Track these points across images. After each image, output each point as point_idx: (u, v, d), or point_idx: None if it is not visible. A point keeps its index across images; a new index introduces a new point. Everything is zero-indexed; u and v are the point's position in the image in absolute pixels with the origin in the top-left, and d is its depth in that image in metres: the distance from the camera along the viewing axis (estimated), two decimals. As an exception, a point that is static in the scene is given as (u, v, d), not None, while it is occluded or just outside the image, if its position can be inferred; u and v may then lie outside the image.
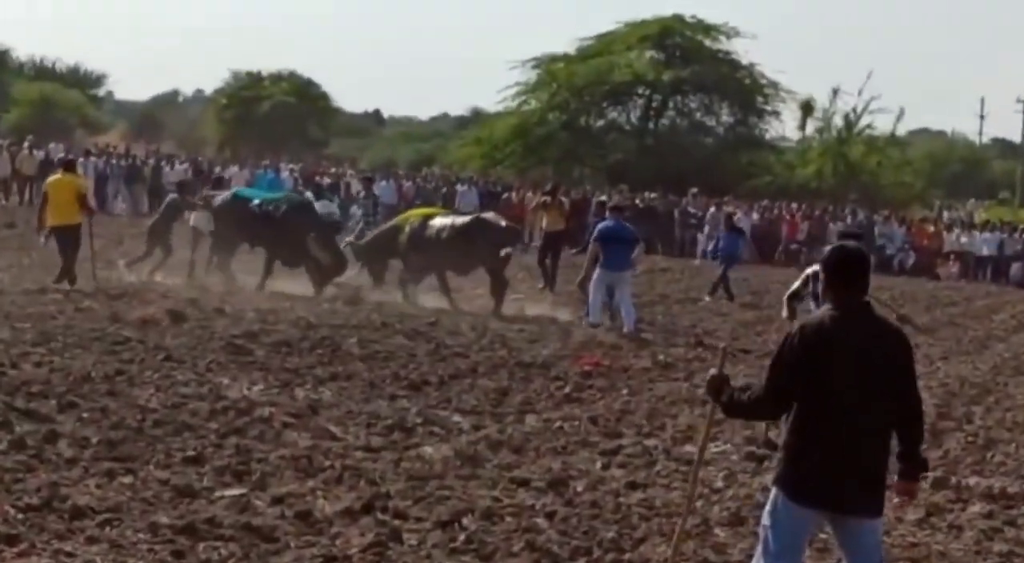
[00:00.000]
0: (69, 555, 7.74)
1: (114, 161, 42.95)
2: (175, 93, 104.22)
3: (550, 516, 9.38)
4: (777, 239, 43.93)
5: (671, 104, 62.87)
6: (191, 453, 10.13)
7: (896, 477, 6.65)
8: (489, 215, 23.67)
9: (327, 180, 42.96)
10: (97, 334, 15.29)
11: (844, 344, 6.34)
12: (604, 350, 17.86)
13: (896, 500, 6.85)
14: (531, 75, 61.64)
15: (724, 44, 61.48)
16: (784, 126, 63.00)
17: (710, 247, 30.90)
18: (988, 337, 24.62)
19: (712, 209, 44.12)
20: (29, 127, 55.14)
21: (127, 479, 9.33)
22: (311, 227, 22.21)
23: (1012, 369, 20.17)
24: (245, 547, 8.11)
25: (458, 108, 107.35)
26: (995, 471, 12.16)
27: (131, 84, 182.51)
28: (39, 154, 41.33)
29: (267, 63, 77.57)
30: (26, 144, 42.49)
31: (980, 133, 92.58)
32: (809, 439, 6.36)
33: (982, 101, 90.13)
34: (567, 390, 14.61)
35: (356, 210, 28.85)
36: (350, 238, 23.18)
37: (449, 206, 40.11)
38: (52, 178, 21.14)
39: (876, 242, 42.93)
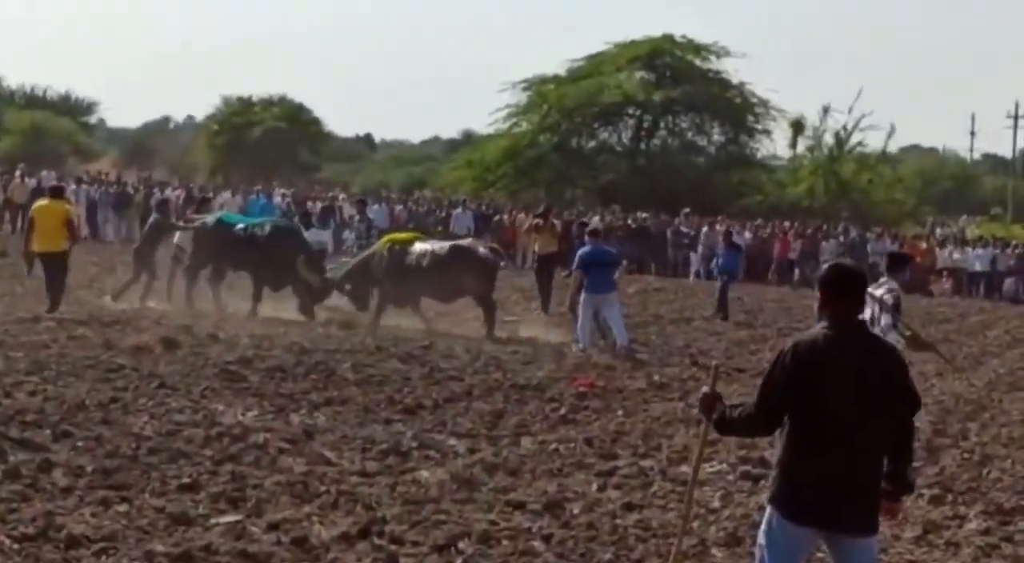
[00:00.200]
0: (65, 584, 7.72)
1: (102, 188, 42.96)
2: (166, 119, 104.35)
3: (547, 539, 9.36)
4: (770, 258, 43.96)
5: (662, 124, 63.00)
6: (186, 480, 10.10)
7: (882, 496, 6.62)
8: (467, 242, 23.69)
9: (319, 204, 42.92)
10: (91, 362, 15.27)
11: (838, 362, 6.34)
12: (599, 371, 17.85)
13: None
14: (522, 97, 61.86)
15: (714, 63, 61.69)
16: (775, 144, 62.96)
17: (713, 264, 30.90)
18: (982, 353, 24.63)
19: (705, 228, 44.18)
20: (21, 155, 55.07)
21: (122, 507, 9.31)
22: (298, 250, 22.25)
23: (1007, 385, 20.18)
24: (241, 574, 8.09)
25: (449, 131, 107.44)
26: (992, 487, 12.15)
27: (122, 111, 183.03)
28: (31, 182, 41.28)
29: (258, 88, 77.47)
30: (18, 172, 42.48)
31: (971, 149, 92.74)
32: (803, 457, 6.36)
33: (972, 117, 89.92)
34: (562, 412, 14.60)
35: (348, 234, 28.89)
36: (330, 269, 23.03)
37: (445, 230, 40.23)
38: (39, 204, 21.13)
39: (869, 259, 42.97)
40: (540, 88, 61.56)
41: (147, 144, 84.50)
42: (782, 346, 6.55)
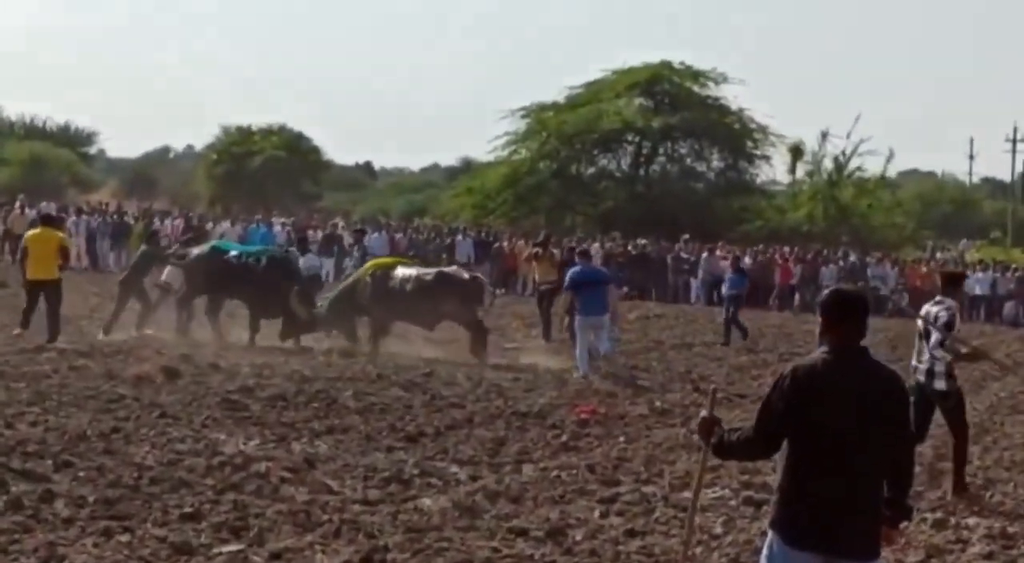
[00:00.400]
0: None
1: (100, 218, 43.06)
2: (166, 149, 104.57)
3: (549, 566, 9.34)
4: (770, 283, 43.97)
5: (661, 150, 63.10)
6: (188, 510, 10.09)
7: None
8: (452, 269, 23.81)
9: (320, 234, 42.98)
10: (92, 392, 15.28)
11: (837, 387, 6.32)
12: (600, 398, 17.85)
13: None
14: (521, 124, 61.95)
15: (713, 90, 61.84)
16: (774, 170, 63.04)
17: (723, 289, 30.92)
18: (984, 377, 24.56)
19: (704, 254, 44.24)
20: (20, 186, 55.21)
21: (124, 537, 9.29)
22: (292, 281, 22.32)
23: (1009, 408, 20.15)
24: (244, 603, 8.08)
25: (449, 159, 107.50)
26: (994, 511, 12.13)
27: (122, 141, 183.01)
28: (31, 213, 41.31)
29: (257, 117, 77.60)
30: (17, 203, 42.55)
31: (970, 173, 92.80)
32: (803, 482, 6.34)
33: (971, 141, 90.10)
34: (564, 439, 14.58)
35: (348, 262, 28.98)
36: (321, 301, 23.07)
37: (450, 257, 40.30)
38: (32, 232, 21.16)
39: (870, 283, 43.00)
40: (539, 115, 61.66)
41: (147, 174, 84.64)
42: (782, 370, 6.54)
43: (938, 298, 13.01)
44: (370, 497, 11.09)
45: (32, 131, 78.14)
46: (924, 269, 46.35)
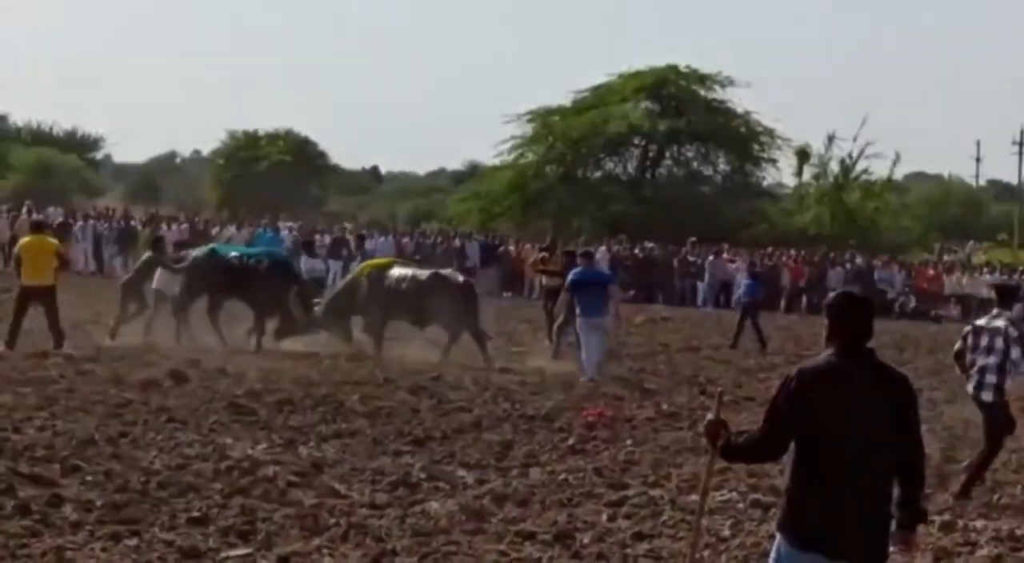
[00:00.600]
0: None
1: (106, 224, 43.16)
2: (172, 155, 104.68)
3: (558, 569, 9.34)
4: (777, 286, 43.95)
5: (667, 154, 63.08)
6: (196, 514, 10.10)
7: (896, 526, 6.57)
8: (447, 272, 23.91)
9: (327, 238, 43.05)
10: (99, 397, 15.29)
11: (843, 389, 6.32)
12: (607, 401, 17.85)
13: (892, 549, 6.78)
14: (527, 128, 61.85)
15: (719, 93, 61.79)
16: (781, 173, 63.01)
17: (735, 295, 30.84)
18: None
19: (711, 258, 44.24)
20: (27, 192, 55.23)
21: (132, 542, 9.31)
22: (292, 282, 22.46)
23: (1017, 410, 20.08)
24: (252, 607, 8.08)
25: (455, 163, 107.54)
26: (1002, 513, 12.12)
27: (128, 147, 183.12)
28: (38, 219, 41.33)
29: (264, 122, 77.64)
30: (24, 209, 42.59)
31: (977, 176, 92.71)
32: (810, 485, 6.33)
33: (978, 144, 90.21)
34: (571, 442, 14.58)
35: (354, 266, 29.04)
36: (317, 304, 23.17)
37: (461, 261, 40.38)
38: (25, 240, 21.11)
39: (877, 286, 42.99)
40: (545, 119, 61.64)
41: (154, 179, 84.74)
42: (788, 372, 6.54)
43: (995, 312, 13.10)
44: (377, 501, 11.09)
45: (39, 137, 78.27)
46: (931, 272, 46.36)
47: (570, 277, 21.00)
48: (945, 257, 56.70)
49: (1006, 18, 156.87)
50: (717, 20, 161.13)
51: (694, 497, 11.68)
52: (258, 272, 22.52)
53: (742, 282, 30.66)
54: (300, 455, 12.83)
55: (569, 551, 9.86)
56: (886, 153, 70.85)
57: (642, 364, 22.96)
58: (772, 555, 6.53)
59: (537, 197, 60.06)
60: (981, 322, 13.20)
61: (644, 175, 62.84)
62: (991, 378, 12.75)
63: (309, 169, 73.19)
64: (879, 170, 60.38)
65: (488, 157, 71.56)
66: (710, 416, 6.87)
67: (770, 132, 61.63)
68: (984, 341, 12.90)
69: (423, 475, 12.22)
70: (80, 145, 79.83)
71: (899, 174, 63.91)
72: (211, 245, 25.65)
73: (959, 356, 13.40)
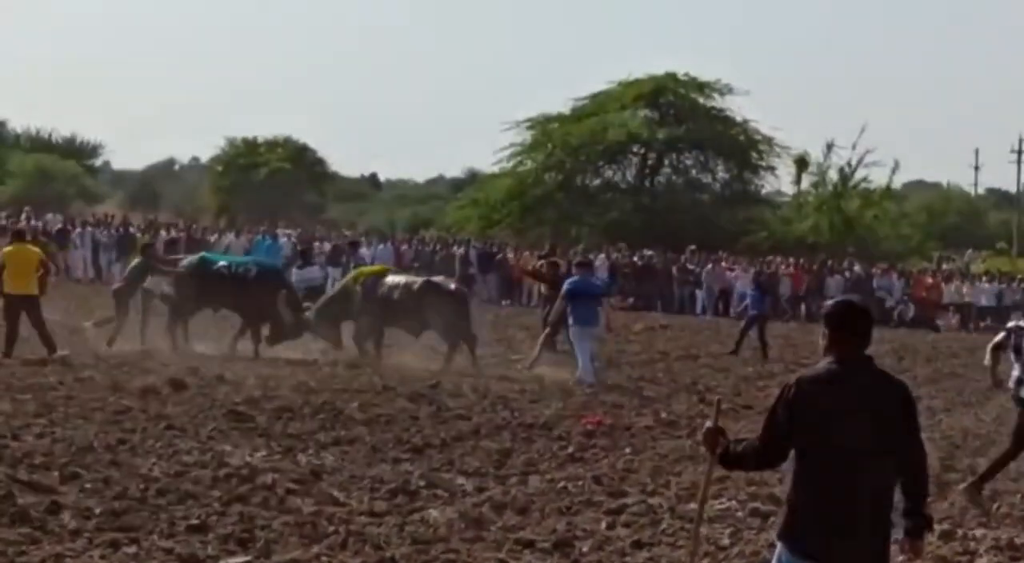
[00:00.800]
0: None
1: (105, 231, 43.22)
2: (171, 161, 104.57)
3: (557, 577, 9.33)
4: (776, 294, 43.96)
5: (666, 162, 63.19)
6: (195, 521, 10.08)
7: (902, 534, 6.56)
8: (439, 279, 23.97)
9: (327, 245, 43.07)
10: (98, 404, 15.29)
11: (842, 397, 6.32)
12: (606, 409, 17.85)
13: (902, 558, 6.78)
14: (526, 136, 62.05)
15: (718, 101, 61.95)
16: (779, 181, 63.11)
17: (742, 305, 30.77)
18: (990, 388, 24.54)
19: (709, 266, 44.29)
20: (26, 199, 55.24)
21: (131, 549, 9.30)
22: (278, 286, 22.55)
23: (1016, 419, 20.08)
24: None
25: (454, 170, 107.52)
26: (1001, 522, 12.12)
27: (127, 153, 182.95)
28: (37, 226, 41.40)
29: (262, 129, 77.53)
30: (23, 215, 42.62)
31: (975, 184, 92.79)
32: (810, 492, 6.33)
33: (976, 152, 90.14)
34: (570, 450, 14.58)
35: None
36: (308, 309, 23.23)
37: (464, 268, 40.45)
38: (8, 249, 21.07)
39: (875, 295, 43.02)
40: (544, 127, 61.76)
41: (152, 186, 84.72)
42: (787, 381, 6.54)
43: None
44: (376, 509, 11.08)
45: (38, 143, 78.21)
46: (930, 280, 46.39)
47: (566, 286, 21.15)
48: (944, 265, 56.71)
49: (1004, 26, 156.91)
50: (716, 28, 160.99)
51: (693, 505, 11.67)
52: (246, 280, 22.65)
53: (747, 293, 30.64)
54: (299, 462, 12.82)
55: (568, 559, 9.86)
56: (885, 161, 70.80)
57: (641, 372, 22.96)
58: (772, 562, 6.53)
59: (536, 204, 60.14)
60: (1015, 324, 13.52)
61: (643, 183, 62.95)
62: None
63: (308, 176, 73.24)
64: (878, 178, 60.53)
65: (487, 164, 71.75)
66: (709, 424, 6.87)
67: (769, 140, 61.80)
68: (1015, 340, 13.08)
69: (422, 483, 12.21)
70: (79, 152, 79.75)
71: (898, 182, 64.01)
72: (202, 253, 25.70)
73: (996, 348, 13.94)
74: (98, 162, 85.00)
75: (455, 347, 22.14)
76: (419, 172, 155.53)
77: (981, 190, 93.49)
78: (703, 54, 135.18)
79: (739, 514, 11.73)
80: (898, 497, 6.48)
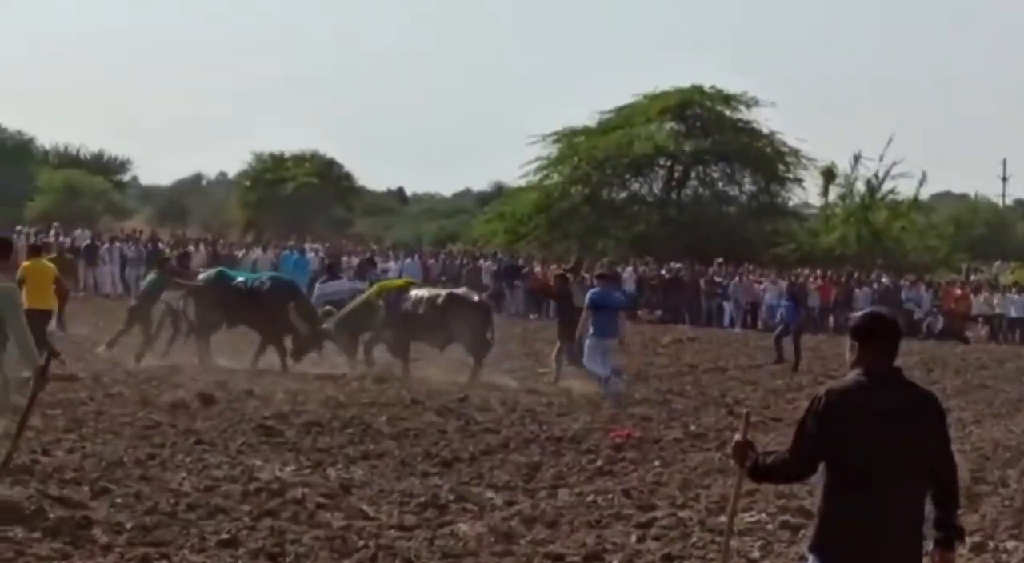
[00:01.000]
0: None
1: (133, 246, 43.40)
2: (199, 176, 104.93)
3: (587, 591, 9.32)
4: (805, 306, 43.86)
5: (693, 174, 63.10)
6: (225, 536, 10.10)
7: (933, 545, 6.53)
8: (462, 291, 24.01)
9: (356, 259, 43.15)
10: (128, 419, 15.35)
11: (871, 410, 6.29)
12: (635, 422, 17.84)
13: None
14: (552, 149, 62.03)
15: (744, 113, 61.81)
16: (807, 193, 62.97)
17: (777, 317, 30.67)
18: (1020, 399, 24.46)
19: (737, 278, 44.23)
20: (55, 215, 55.49)
21: (162, 564, 9.32)
22: (291, 299, 22.62)
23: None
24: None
25: (481, 183, 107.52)
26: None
27: (154, 169, 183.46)
28: (65, 241, 41.60)
29: (289, 144, 77.64)
30: (52, 231, 42.84)
31: (1003, 195, 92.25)
32: (841, 505, 6.31)
33: (1004, 163, 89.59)
34: (599, 463, 14.57)
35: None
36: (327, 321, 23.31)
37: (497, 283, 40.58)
38: (27, 263, 21.14)
39: (904, 306, 42.90)
40: (571, 140, 61.77)
41: (180, 201, 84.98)
42: (816, 393, 6.52)
43: None
44: (406, 523, 11.09)
45: (66, 159, 78.49)
46: (958, 292, 46.22)
47: (590, 297, 21.18)
48: (972, 277, 56.49)
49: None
50: (743, 41, 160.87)
51: (723, 518, 11.64)
52: (260, 294, 22.73)
53: (782, 304, 30.65)
54: (328, 477, 12.84)
55: (598, 573, 9.84)
56: (912, 172, 70.49)
57: (669, 385, 22.93)
58: (803, 576, 6.52)
59: (563, 218, 60.16)
60: None
61: (670, 195, 62.89)
62: None
63: (335, 190, 73.39)
64: (905, 190, 60.32)
65: (513, 178, 71.66)
66: (738, 437, 6.85)
67: (795, 152, 61.66)
68: None
69: (451, 497, 12.22)
70: (107, 167, 79.99)
71: (925, 194, 63.71)
72: (219, 268, 25.82)
73: None
74: (126, 177, 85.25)
75: (481, 360, 22.17)
76: (446, 186, 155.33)
77: (1009, 201, 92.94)
78: (729, 66, 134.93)
79: (769, 527, 11.70)
80: (929, 508, 6.46)
